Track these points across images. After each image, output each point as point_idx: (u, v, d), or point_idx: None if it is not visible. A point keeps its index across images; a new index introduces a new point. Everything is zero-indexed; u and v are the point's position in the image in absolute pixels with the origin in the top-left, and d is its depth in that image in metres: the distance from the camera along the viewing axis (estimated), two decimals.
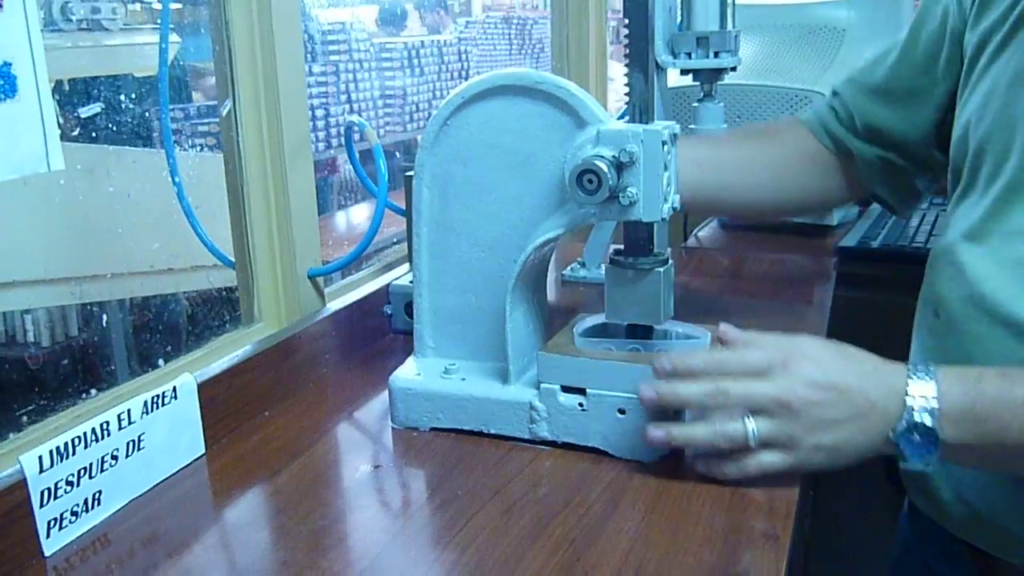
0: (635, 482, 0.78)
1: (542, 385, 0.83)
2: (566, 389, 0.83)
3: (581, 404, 0.82)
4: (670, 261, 0.85)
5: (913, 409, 0.69)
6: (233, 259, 1.08)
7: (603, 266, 0.87)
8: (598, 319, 0.90)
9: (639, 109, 0.82)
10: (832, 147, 1.04)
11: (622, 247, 0.86)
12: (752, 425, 0.73)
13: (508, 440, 0.86)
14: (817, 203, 1.09)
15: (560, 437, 0.84)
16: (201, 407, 0.85)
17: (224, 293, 1.15)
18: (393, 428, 0.90)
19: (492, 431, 0.86)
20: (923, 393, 0.69)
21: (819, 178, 1.05)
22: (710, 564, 0.67)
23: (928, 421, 0.68)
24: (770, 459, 0.73)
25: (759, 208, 1.06)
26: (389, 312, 1.15)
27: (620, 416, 0.81)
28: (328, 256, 1.19)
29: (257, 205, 1.06)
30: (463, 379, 0.88)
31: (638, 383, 0.80)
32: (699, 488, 0.78)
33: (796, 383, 0.72)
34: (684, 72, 1.12)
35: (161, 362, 0.96)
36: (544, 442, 0.85)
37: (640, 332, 0.87)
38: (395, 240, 1.42)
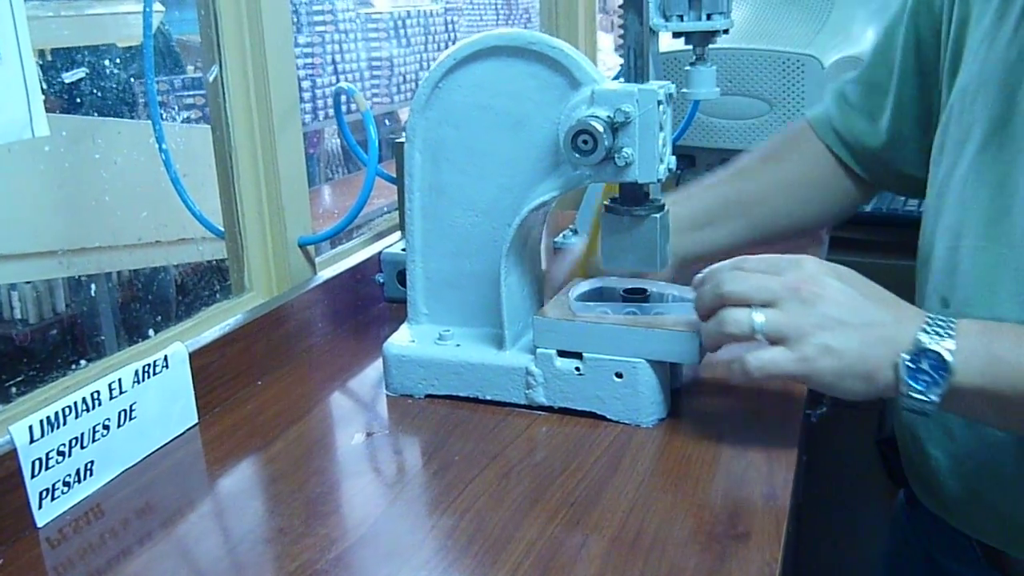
0: (633, 446, 0.78)
1: (538, 350, 0.83)
2: (562, 354, 0.82)
3: (578, 368, 0.81)
4: (667, 207, 0.84)
5: (927, 333, 0.66)
6: (222, 229, 1.07)
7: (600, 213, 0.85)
8: (593, 283, 0.89)
9: (634, 52, 0.80)
10: (848, 156, 0.99)
11: (617, 195, 0.85)
12: (759, 316, 0.70)
13: (504, 406, 0.85)
14: (836, 213, 1.03)
15: (557, 402, 0.83)
16: (193, 376, 0.84)
17: (214, 264, 1.14)
18: (387, 396, 0.89)
19: (488, 397, 0.86)
20: (940, 323, 0.66)
21: (837, 188, 1.01)
22: (710, 526, 0.67)
23: (941, 350, 0.65)
24: (772, 355, 0.69)
25: (782, 234, 1.01)
26: (381, 280, 1.14)
27: (617, 380, 0.80)
28: (317, 229, 1.18)
29: (246, 173, 1.04)
30: (458, 345, 0.87)
31: (635, 347, 0.79)
32: (698, 451, 0.77)
33: (809, 275, 0.70)
34: (676, 36, 1.11)
35: (151, 333, 0.95)
36: (541, 407, 0.84)
37: (635, 296, 0.86)
38: (385, 210, 1.41)
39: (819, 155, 1.00)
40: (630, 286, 0.87)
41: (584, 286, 0.89)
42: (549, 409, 0.84)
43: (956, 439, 0.78)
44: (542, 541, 0.65)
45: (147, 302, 1.18)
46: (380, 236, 1.30)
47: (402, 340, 0.89)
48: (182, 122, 1.46)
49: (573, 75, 0.79)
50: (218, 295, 1.05)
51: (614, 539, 0.65)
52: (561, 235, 1.36)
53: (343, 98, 1.17)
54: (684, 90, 1.23)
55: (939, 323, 0.66)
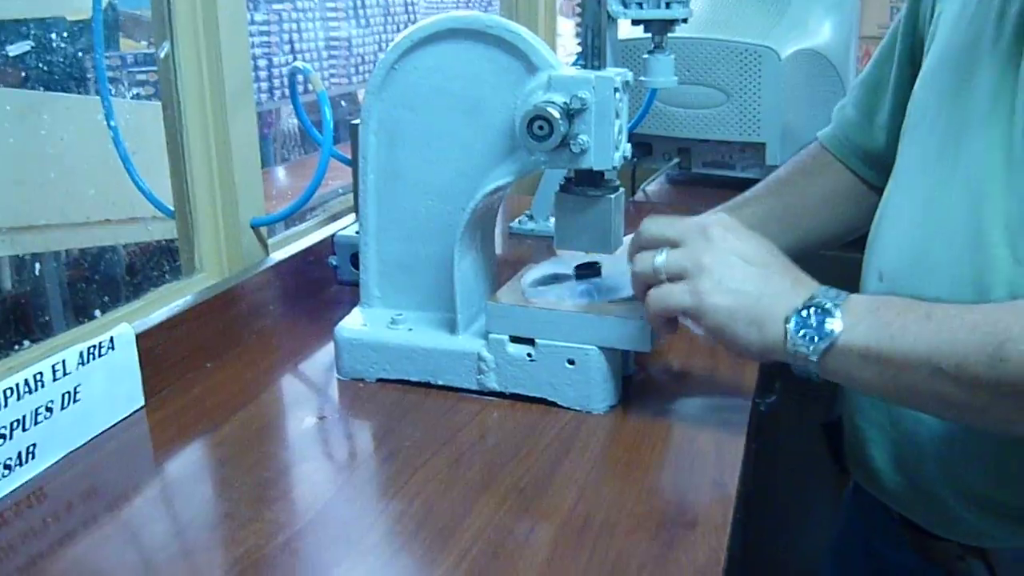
0: (584, 432, 0.78)
1: (490, 336, 0.82)
2: (515, 340, 0.82)
3: (530, 355, 0.81)
4: (621, 188, 0.84)
5: (819, 296, 0.67)
6: (173, 208, 1.05)
7: (555, 195, 0.85)
8: (547, 268, 0.89)
9: (592, 39, 0.80)
10: (858, 165, 0.99)
11: (573, 176, 0.85)
12: (661, 256, 0.72)
13: (456, 391, 0.85)
14: (859, 227, 0.98)
15: (508, 388, 0.83)
16: (140, 358, 0.82)
17: (164, 244, 1.12)
18: (339, 379, 0.89)
19: (439, 382, 0.85)
20: (833, 291, 0.68)
21: (859, 205, 0.99)
22: (659, 513, 0.67)
23: (830, 305, 0.66)
24: (669, 288, 0.71)
25: (825, 244, 1.00)
26: (334, 263, 1.13)
27: (569, 367, 0.80)
28: (271, 210, 1.16)
29: (197, 152, 1.03)
30: (410, 329, 0.86)
31: (587, 334, 0.79)
32: (648, 438, 0.78)
33: (721, 221, 0.73)
34: (635, 23, 1.11)
35: (99, 313, 0.94)
36: (492, 393, 0.84)
37: (587, 272, 0.86)
38: (340, 192, 1.39)
39: (839, 170, 1.00)
40: (582, 262, 0.87)
41: (537, 271, 0.89)
42: (501, 395, 0.84)
43: (897, 425, 0.79)
44: (491, 527, 0.65)
45: (95, 282, 1.15)
46: (335, 218, 1.29)
47: (354, 324, 0.88)
48: (132, 98, 1.43)
49: (530, 60, 0.79)
50: (168, 276, 1.03)
51: (562, 525, 0.65)
52: (517, 220, 1.36)
53: (299, 78, 1.16)
54: (642, 78, 1.23)
55: (832, 291, 0.67)
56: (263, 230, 1.10)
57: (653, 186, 1.64)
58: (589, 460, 0.74)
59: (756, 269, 0.70)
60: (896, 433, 0.79)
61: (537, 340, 0.81)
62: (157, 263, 1.10)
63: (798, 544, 1.58)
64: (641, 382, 0.88)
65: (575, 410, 0.81)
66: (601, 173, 0.82)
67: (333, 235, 1.14)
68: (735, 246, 0.70)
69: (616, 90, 0.77)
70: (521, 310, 0.81)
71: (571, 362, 0.80)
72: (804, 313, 0.66)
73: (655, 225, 0.74)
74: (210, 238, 1.05)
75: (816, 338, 0.65)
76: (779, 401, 1.14)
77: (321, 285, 1.13)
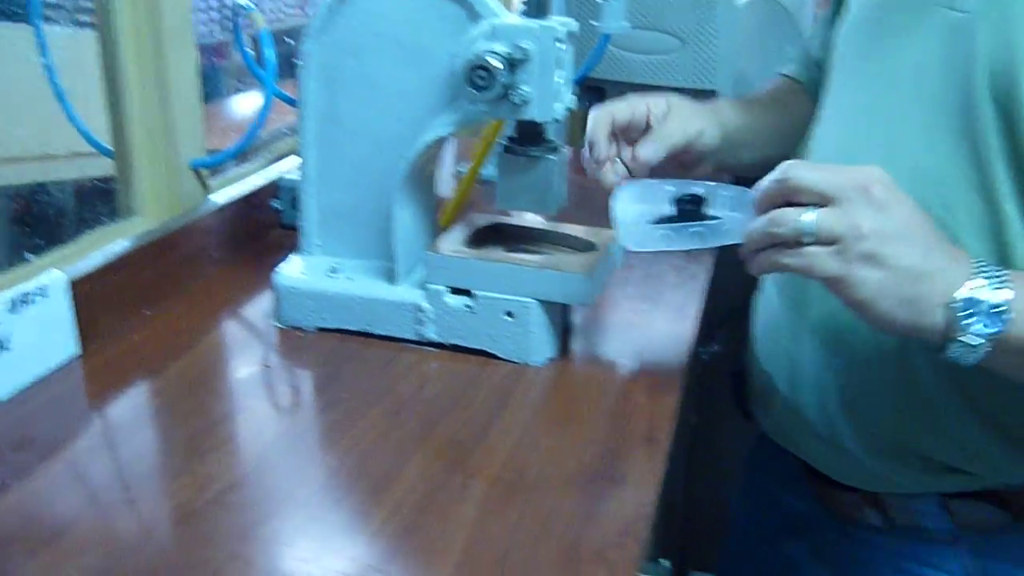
0: (521, 385, 0.79)
1: (429, 286, 0.82)
2: (454, 291, 0.82)
3: (469, 306, 0.81)
4: (562, 149, 0.84)
5: (979, 273, 0.59)
6: (110, 147, 1.02)
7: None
8: (490, 219, 0.88)
9: None
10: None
11: (515, 135, 0.84)
12: (809, 215, 0.60)
13: (395, 341, 0.85)
14: None
15: (447, 339, 0.83)
16: (76, 304, 0.81)
17: (101, 184, 1.09)
18: (278, 328, 0.88)
19: (379, 332, 0.85)
20: (995, 273, 0.60)
21: None
22: (591, 467, 0.68)
23: (995, 285, 0.59)
24: (815, 251, 0.60)
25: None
26: (278, 206, 1.11)
27: (507, 319, 0.80)
28: (221, 145, 1.14)
29: (135, 89, 0.99)
30: (349, 278, 0.86)
31: (526, 286, 0.79)
32: (585, 392, 0.78)
33: (881, 179, 0.60)
34: None
35: (31, 256, 0.91)
36: (431, 344, 0.84)
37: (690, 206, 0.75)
38: (286, 132, 1.36)
39: (808, 101, 0.97)
40: (683, 195, 0.73)
41: (480, 221, 0.88)
42: (440, 345, 0.84)
43: (799, 371, 0.79)
44: (424, 481, 0.66)
45: (25, 223, 1.12)
46: (280, 159, 1.26)
47: (293, 271, 0.87)
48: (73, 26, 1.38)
49: (473, 7, 0.77)
50: (104, 217, 1.01)
51: (495, 480, 0.66)
52: (463, 163, 1.35)
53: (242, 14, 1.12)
54: (595, 23, 1.22)
55: (993, 270, 0.60)
56: (204, 172, 1.08)
57: None
58: (525, 413, 0.75)
59: (918, 242, 0.60)
60: (799, 380, 0.80)
61: (476, 291, 0.81)
62: (93, 204, 1.07)
63: (716, 492, 1.61)
64: (582, 334, 0.88)
65: (514, 362, 0.81)
66: (543, 131, 0.81)
67: (277, 178, 1.12)
68: (898, 213, 0.60)
69: (559, 40, 0.76)
70: (460, 261, 0.81)
71: (510, 314, 0.80)
72: (969, 298, 0.59)
73: (806, 173, 0.60)
74: (148, 179, 1.02)
75: (986, 327, 0.59)
76: (721, 350, 1.16)
77: (264, 229, 1.11)
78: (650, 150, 0.83)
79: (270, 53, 1.03)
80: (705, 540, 1.14)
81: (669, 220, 0.72)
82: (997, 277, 0.59)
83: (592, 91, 1.48)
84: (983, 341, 0.59)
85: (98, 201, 1.06)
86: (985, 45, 0.64)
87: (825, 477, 0.82)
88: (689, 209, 0.72)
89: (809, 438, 0.81)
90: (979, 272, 0.59)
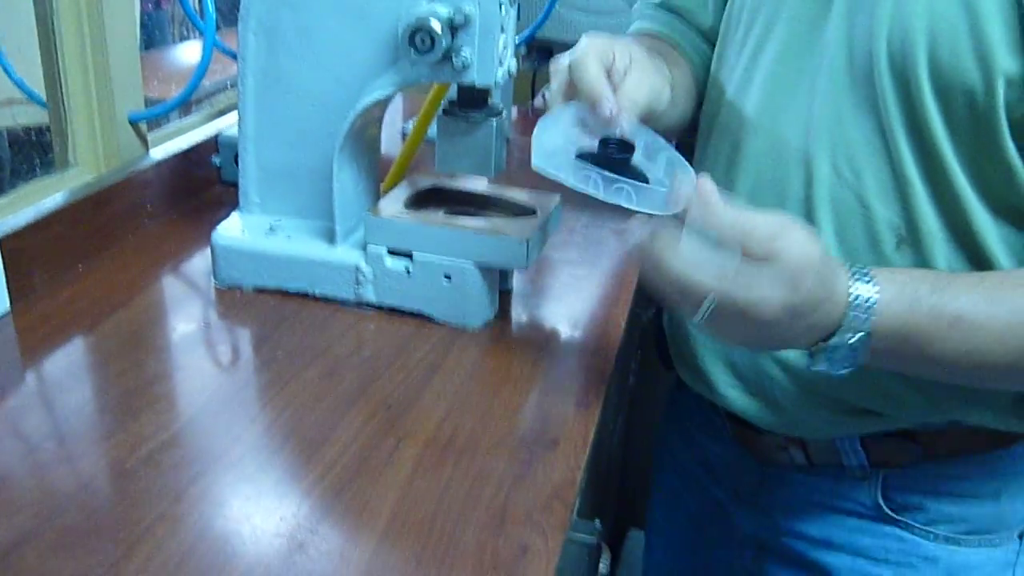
0: (457, 348, 0.79)
1: (369, 247, 0.82)
2: (393, 252, 0.82)
3: (407, 268, 0.81)
4: (503, 113, 0.84)
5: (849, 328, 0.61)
6: (45, 98, 1.00)
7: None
8: (432, 181, 0.88)
9: None
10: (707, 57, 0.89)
11: (456, 98, 0.84)
12: (703, 314, 0.58)
13: (333, 302, 0.85)
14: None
15: (385, 301, 0.83)
16: (5, 259, 0.80)
17: (35, 136, 1.07)
18: (216, 286, 0.87)
19: (317, 292, 0.85)
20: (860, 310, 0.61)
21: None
22: (523, 431, 0.69)
23: (857, 341, 0.61)
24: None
25: (675, 130, 0.86)
26: (218, 162, 1.10)
27: (445, 281, 0.81)
28: (165, 93, 1.12)
29: (70, 39, 0.97)
30: (288, 237, 0.85)
31: (464, 250, 0.80)
32: (519, 356, 0.79)
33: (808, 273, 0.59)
34: None
35: None
36: (369, 305, 0.84)
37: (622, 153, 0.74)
38: (229, 85, 1.34)
39: (686, 63, 0.89)
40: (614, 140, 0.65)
41: (421, 183, 0.88)
42: (378, 307, 0.84)
43: None
44: (357, 442, 0.66)
45: None
46: (222, 114, 1.25)
47: (232, 230, 0.87)
48: None
49: None
50: (39, 169, 0.99)
51: (428, 442, 0.67)
52: (411, 121, 1.34)
53: None
54: None
55: (858, 320, 0.61)
56: (143, 126, 1.06)
57: None
58: (460, 376, 0.75)
59: (799, 324, 0.60)
60: None
61: (415, 253, 0.81)
62: (28, 156, 1.05)
63: (636, 438, 1.63)
64: (520, 298, 0.89)
65: (451, 325, 0.82)
66: (484, 95, 0.81)
67: (218, 134, 1.11)
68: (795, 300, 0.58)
69: (502, 5, 0.75)
70: (399, 223, 0.81)
71: (448, 277, 0.81)
72: (831, 350, 0.61)
73: (748, 230, 0.58)
74: (85, 132, 1.00)
75: (848, 364, 0.62)
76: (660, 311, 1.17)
77: (204, 185, 1.10)
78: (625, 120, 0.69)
79: (211, 4, 1.01)
80: (642, 499, 1.16)
81: (593, 158, 0.63)
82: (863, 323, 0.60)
83: (540, 51, 1.48)
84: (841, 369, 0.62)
85: (33, 152, 1.04)
86: (884, 19, 0.66)
87: (745, 422, 0.83)
88: (615, 157, 0.64)
89: (733, 390, 0.81)
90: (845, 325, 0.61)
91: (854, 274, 0.61)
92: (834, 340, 0.61)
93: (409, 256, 0.81)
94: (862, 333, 0.61)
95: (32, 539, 0.56)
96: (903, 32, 0.64)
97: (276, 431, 0.68)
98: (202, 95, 1.30)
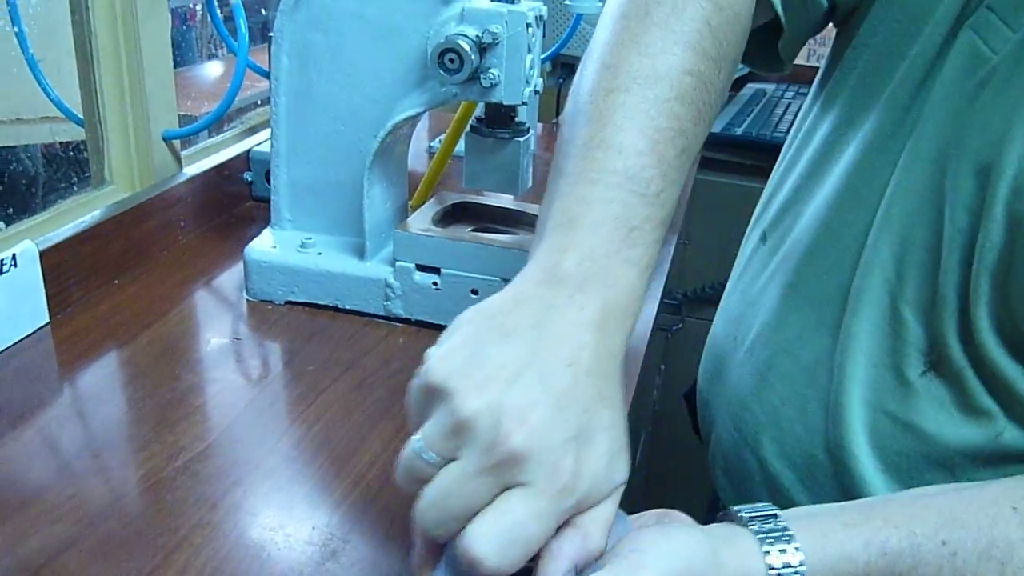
0: None
1: (397, 263, 0.84)
2: (421, 268, 0.83)
3: (435, 283, 0.83)
4: (530, 131, 0.85)
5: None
6: (82, 116, 1.03)
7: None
8: (460, 197, 0.90)
9: None
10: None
11: (483, 116, 0.85)
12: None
13: (362, 316, 0.86)
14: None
15: (414, 315, 0.85)
16: (45, 273, 0.82)
17: (72, 153, 1.09)
18: (247, 300, 0.89)
19: (347, 307, 0.87)
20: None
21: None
22: None
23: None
24: None
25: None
26: (249, 179, 1.12)
27: (473, 296, 0.82)
28: (194, 110, 1.14)
29: (107, 58, 1.00)
30: (319, 253, 0.87)
31: (491, 265, 0.81)
32: None
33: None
34: None
35: (2, 225, 0.92)
36: (398, 319, 0.86)
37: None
38: (259, 102, 1.37)
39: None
40: None
41: (449, 199, 0.89)
42: (407, 321, 0.85)
43: (743, 405, 0.72)
44: (386, 454, 0.68)
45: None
46: (253, 131, 1.27)
47: (264, 245, 0.89)
48: None
49: None
50: (76, 187, 1.02)
51: None
52: (438, 139, 1.36)
53: None
54: (567, 2, 1.23)
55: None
56: (176, 143, 1.08)
57: None
58: None
59: None
60: (737, 409, 0.72)
61: (443, 269, 0.83)
62: (65, 173, 1.08)
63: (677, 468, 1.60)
64: None
65: None
66: (512, 113, 0.83)
67: (249, 150, 1.13)
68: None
69: (529, 25, 0.77)
70: (427, 239, 0.83)
71: (475, 292, 0.82)
72: None
73: None
74: (120, 150, 1.03)
75: None
76: (683, 327, 1.19)
77: (236, 201, 1.12)
78: None
79: (243, 25, 1.03)
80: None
81: None
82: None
83: (565, 68, 1.50)
84: None
85: (69, 168, 1.06)
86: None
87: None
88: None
89: (741, 470, 0.72)
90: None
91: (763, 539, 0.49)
92: None
93: (437, 271, 0.83)
94: None
95: (73, 546, 0.57)
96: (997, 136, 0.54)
97: (308, 443, 0.69)
98: (232, 112, 1.33)
